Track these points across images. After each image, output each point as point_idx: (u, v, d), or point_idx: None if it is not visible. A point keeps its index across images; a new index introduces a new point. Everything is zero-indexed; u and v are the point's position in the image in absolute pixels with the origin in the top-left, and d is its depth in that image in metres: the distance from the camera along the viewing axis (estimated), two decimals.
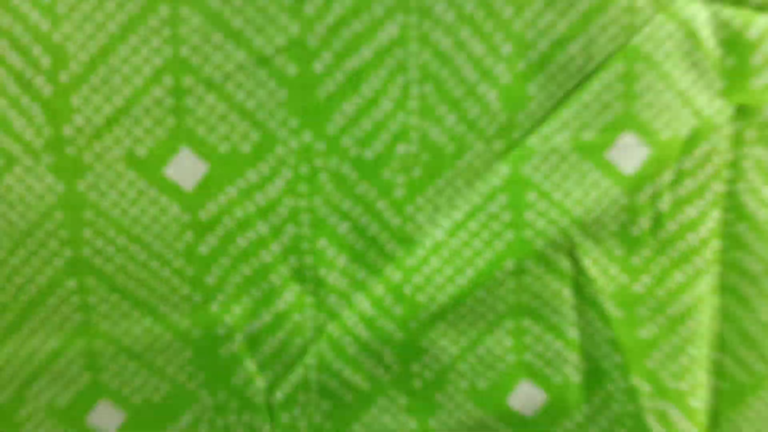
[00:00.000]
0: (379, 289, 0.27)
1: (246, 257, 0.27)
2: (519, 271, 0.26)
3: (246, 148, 0.26)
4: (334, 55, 0.26)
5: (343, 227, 0.27)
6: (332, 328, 0.27)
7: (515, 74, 0.26)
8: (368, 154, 0.27)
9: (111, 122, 0.26)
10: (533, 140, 0.26)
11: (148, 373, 0.28)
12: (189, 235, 0.27)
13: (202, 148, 0.26)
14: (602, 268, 0.27)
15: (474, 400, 0.28)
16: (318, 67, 0.26)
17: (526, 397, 0.28)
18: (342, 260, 0.27)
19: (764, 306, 0.27)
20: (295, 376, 0.28)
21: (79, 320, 0.27)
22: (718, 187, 0.27)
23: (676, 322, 0.27)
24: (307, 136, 0.26)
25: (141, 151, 0.26)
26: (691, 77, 0.26)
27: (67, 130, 0.26)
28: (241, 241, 0.27)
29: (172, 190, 0.26)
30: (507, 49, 0.25)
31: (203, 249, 0.27)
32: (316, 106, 0.26)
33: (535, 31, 0.25)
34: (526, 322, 0.27)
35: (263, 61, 0.26)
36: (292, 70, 0.26)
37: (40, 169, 0.26)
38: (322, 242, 0.27)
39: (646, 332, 0.27)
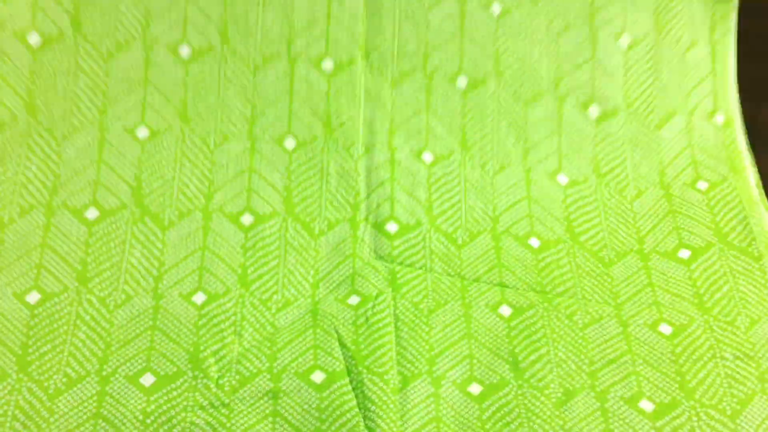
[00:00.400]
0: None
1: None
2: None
3: (222, 292, 0.71)
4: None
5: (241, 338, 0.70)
6: (244, 343, 0.68)
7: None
8: (270, 305, 0.71)
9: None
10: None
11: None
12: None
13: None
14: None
15: None
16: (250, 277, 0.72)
17: None
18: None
19: (418, 334, 0.69)
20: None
21: None
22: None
23: (381, 347, 0.68)
24: (243, 291, 0.71)
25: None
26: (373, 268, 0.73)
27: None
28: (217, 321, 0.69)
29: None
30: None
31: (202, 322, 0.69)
32: (246, 282, 0.71)
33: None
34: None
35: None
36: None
37: (146, 295, 0.70)
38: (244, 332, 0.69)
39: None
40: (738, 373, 0.68)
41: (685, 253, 0.77)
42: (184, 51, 0.77)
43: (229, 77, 0.77)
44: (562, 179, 0.81)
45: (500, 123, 0.81)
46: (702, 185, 0.81)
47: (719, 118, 0.85)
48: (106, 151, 0.75)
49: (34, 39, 0.74)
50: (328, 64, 0.79)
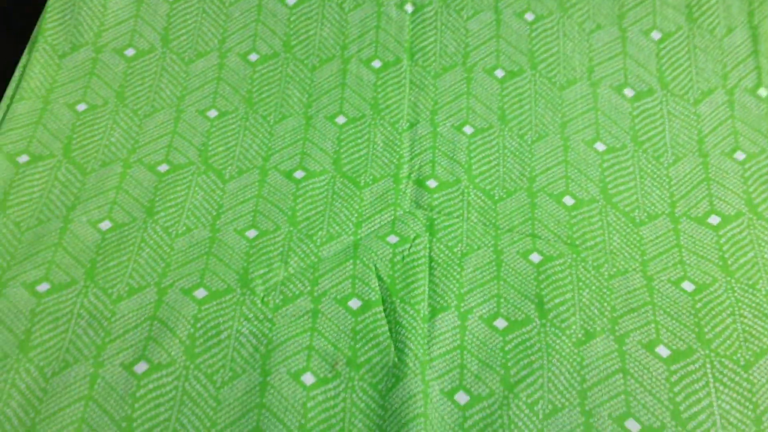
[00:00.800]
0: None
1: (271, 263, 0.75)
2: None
3: (272, 229, 0.77)
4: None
5: (287, 265, 0.76)
6: (290, 266, 0.74)
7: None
8: (316, 239, 0.77)
9: None
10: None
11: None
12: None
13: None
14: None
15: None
16: (299, 218, 0.79)
17: None
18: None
19: (450, 273, 0.74)
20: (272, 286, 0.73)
21: None
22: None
23: (414, 282, 0.73)
24: (291, 228, 0.77)
25: None
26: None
27: None
28: (266, 251, 0.76)
29: None
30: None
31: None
32: (295, 221, 0.78)
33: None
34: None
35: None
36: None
37: (204, 229, 0.77)
38: (290, 263, 0.75)
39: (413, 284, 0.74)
40: (755, 329, 0.71)
41: (715, 219, 0.80)
42: (253, 57, 0.92)
43: (290, 75, 0.91)
44: (600, 147, 0.85)
45: (537, 103, 0.89)
46: (739, 156, 0.84)
47: (762, 92, 0.89)
48: (181, 126, 0.87)
49: (129, 52, 0.92)
50: (376, 63, 0.91)
